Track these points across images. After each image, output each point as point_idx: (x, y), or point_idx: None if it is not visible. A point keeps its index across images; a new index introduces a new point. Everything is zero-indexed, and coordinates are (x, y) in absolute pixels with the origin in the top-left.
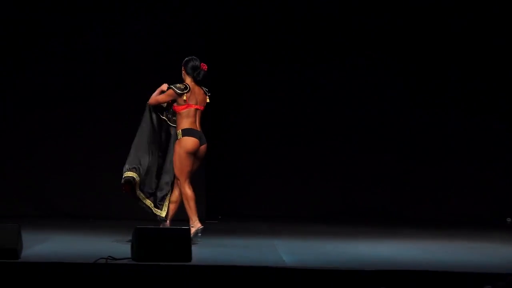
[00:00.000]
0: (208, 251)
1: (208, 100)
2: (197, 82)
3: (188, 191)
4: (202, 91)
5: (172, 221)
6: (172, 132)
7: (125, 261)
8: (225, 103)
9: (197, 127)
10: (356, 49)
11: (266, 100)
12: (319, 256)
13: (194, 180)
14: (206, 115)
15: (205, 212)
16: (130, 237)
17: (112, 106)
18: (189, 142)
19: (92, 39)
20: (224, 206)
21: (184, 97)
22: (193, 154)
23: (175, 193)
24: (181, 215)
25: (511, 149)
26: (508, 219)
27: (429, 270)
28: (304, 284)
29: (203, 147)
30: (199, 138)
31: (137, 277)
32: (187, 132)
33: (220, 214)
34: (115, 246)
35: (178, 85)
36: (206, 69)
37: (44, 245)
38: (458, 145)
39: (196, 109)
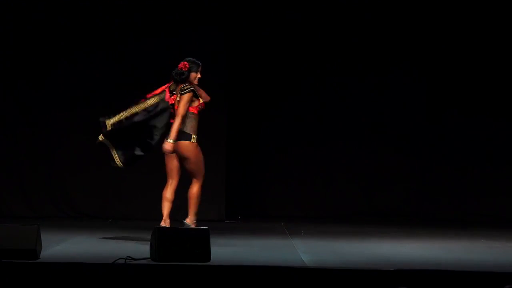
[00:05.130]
0: (227, 251)
1: (178, 98)
2: (176, 81)
3: (164, 191)
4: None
5: (197, 222)
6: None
7: (144, 262)
8: (245, 106)
9: None
10: (374, 54)
11: (287, 102)
12: (338, 256)
13: (215, 179)
14: (229, 117)
15: (224, 212)
16: (149, 238)
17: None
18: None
19: (111, 42)
20: (244, 206)
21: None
22: (173, 153)
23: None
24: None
25: None
26: None
27: (449, 269)
28: (324, 284)
29: (179, 143)
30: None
31: (156, 277)
32: None
33: (240, 214)
34: (134, 246)
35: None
36: (179, 68)
37: (63, 245)
38: (478, 145)
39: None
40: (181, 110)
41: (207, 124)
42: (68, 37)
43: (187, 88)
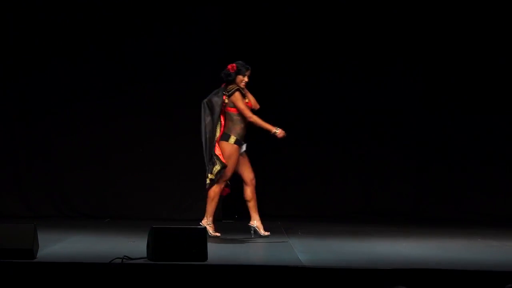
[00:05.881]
0: (224, 250)
1: (226, 100)
2: (223, 81)
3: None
4: None
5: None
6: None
7: (141, 261)
8: None
9: None
10: (371, 53)
11: (285, 100)
12: (335, 255)
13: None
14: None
15: (221, 212)
16: (146, 237)
17: (129, 106)
18: None
19: (109, 39)
20: (241, 205)
21: None
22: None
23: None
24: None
25: None
26: None
27: (448, 269)
28: (321, 283)
29: (220, 143)
30: None
31: (153, 276)
32: None
33: (237, 213)
34: (130, 245)
35: None
36: (227, 69)
37: (60, 245)
38: (476, 144)
39: None
40: (243, 110)
41: None
42: (65, 34)
43: (233, 89)
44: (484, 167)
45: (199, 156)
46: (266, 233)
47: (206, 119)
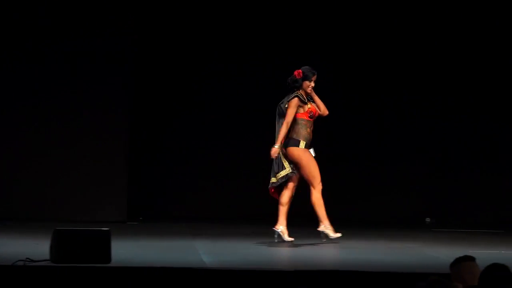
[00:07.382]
0: (128, 252)
1: (286, 106)
2: (290, 88)
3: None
4: None
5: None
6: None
7: (43, 263)
8: (150, 106)
9: None
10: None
11: (191, 103)
12: (239, 256)
13: (116, 180)
14: (133, 116)
15: (126, 213)
16: (49, 239)
17: (40, 109)
18: None
19: (21, 44)
20: (146, 207)
21: None
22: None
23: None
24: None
25: (432, 150)
26: (427, 219)
27: (348, 270)
28: (224, 285)
29: (288, 150)
30: None
31: (56, 279)
32: None
33: (142, 215)
34: (33, 248)
35: None
36: (294, 75)
37: None
38: (380, 146)
39: None
40: (287, 116)
41: (109, 124)
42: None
43: (293, 95)
44: (387, 169)
45: (108, 158)
46: (338, 234)
47: (277, 123)
